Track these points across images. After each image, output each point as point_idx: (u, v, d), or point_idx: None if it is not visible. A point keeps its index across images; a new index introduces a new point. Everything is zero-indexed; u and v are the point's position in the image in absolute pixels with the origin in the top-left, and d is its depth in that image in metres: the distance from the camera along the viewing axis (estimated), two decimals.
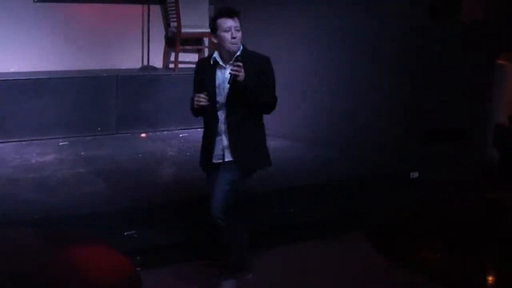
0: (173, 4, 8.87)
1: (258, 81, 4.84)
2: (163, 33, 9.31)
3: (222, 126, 4.96)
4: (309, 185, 6.64)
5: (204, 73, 4.96)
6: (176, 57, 9.02)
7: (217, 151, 4.99)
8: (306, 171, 7.04)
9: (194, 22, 9.09)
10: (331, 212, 6.39)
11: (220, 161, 4.99)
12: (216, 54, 4.95)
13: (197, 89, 4.91)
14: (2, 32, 8.27)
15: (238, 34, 4.86)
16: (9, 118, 7.77)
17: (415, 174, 7.16)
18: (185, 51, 9.23)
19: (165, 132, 8.50)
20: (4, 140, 7.69)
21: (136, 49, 9.13)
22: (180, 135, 8.43)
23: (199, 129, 8.58)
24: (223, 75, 4.88)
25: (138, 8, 9.10)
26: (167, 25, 9.24)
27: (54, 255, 3.87)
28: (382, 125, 7.45)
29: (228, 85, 4.79)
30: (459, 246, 5.87)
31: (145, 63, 9.11)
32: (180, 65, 9.08)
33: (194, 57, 9.49)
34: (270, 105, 5.05)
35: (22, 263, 3.66)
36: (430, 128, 7.51)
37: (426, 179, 7.11)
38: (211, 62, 4.93)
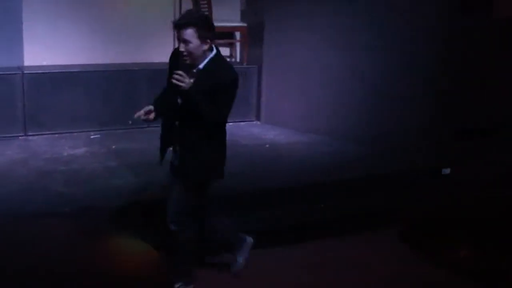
0: None
1: (208, 97, 4.47)
2: None
3: (177, 135, 4.76)
4: (339, 181, 6.60)
5: (173, 67, 4.56)
6: None
7: (174, 153, 4.83)
8: (337, 167, 7.00)
9: (226, 16, 9.09)
10: (361, 207, 6.34)
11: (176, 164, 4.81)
12: None
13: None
14: (35, 25, 8.33)
15: (189, 47, 4.47)
16: (41, 111, 7.82)
17: (447, 171, 7.09)
18: (216, 44, 9.21)
19: None
20: (36, 133, 7.76)
21: (167, 43, 9.11)
22: None
23: (230, 123, 8.66)
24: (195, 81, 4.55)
25: (169, 2, 9.12)
26: None
27: (84, 247, 3.89)
28: (414, 121, 7.38)
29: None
30: (491, 243, 5.80)
31: None
32: None
33: (226, 51, 9.51)
34: (211, 121, 4.60)
35: (52, 255, 3.68)
36: (462, 124, 7.43)
37: (458, 175, 7.03)
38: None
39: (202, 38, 4.48)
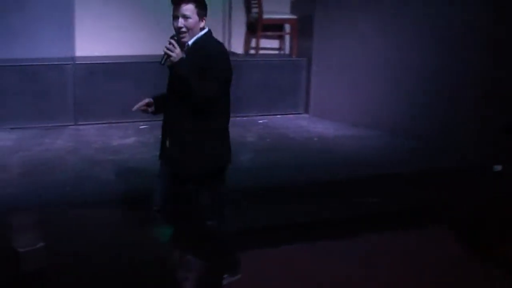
0: None
1: (197, 71, 4.34)
2: (244, 19, 9.31)
3: (169, 125, 4.62)
4: (391, 175, 6.53)
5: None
6: (257, 43, 9.02)
7: (169, 154, 4.62)
8: (385, 161, 6.94)
9: (275, 8, 9.07)
10: (410, 203, 6.27)
11: (168, 166, 4.65)
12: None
13: None
14: (86, 16, 8.41)
15: (188, 22, 4.43)
16: (92, 101, 7.91)
17: (498, 167, 6.98)
18: (266, 37, 9.22)
19: (245, 118, 8.51)
20: (87, 122, 7.85)
21: (217, 35, 9.09)
22: (260, 121, 8.44)
23: (278, 116, 8.72)
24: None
25: None
26: (248, 11, 9.23)
27: (131, 235, 3.91)
28: (465, 117, 7.29)
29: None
30: None
31: (227, 48, 9.12)
32: (260, 51, 9.07)
33: (275, 43, 9.49)
34: (199, 97, 4.36)
35: (99, 242, 3.71)
36: None
37: (511, 172, 6.91)
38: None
39: (200, 15, 4.47)
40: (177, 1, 4.45)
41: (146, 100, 4.61)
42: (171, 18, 4.58)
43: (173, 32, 4.53)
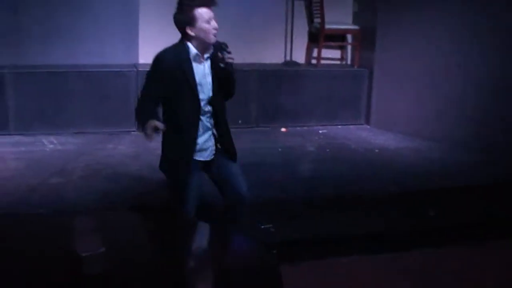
0: (318, 0, 8.84)
1: None
2: (306, 29, 9.31)
3: (209, 123, 4.62)
4: (452, 188, 6.44)
5: (175, 69, 4.46)
6: (319, 53, 9.01)
7: (208, 149, 4.66)
8: (450, 174, 6.83)
9: (338, 19, 9.06)
10: (474, 217, 6.17)
11: (211, 158, 4.70)
12: (190, 48, 4.51)
13: (166, 88, 4.46)
14: (150, 24, 8.52)
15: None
16: None
17: None
18: (327, 47, 9.20)
19: (305, 128, 8.51)
20: None
21: (279, 44, 9.18)
22: (320, 131, 8.42)
23: (339, 126, 8.69)
24: (203, 70, 4.53)
25: (282, 4, 9.15)
26: (310, 21, 9.24)
27: (192, 244, 3.92)
28: None
29: (210, 80, 4.53)
30: None
31: (288, 58, 9.15)
32: (322, 61, 9.06)
33: (337, 54, 9.47)
34: (235, 91, 4.79)
35: (159, 247, 3.73)
36: None
37: None
38: (188, 57, 4.49)
39: None
40: (213, 3, 4.50)
41: (152, 124, 4.33)
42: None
43: (229, 43, 4.60)
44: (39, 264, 3.28)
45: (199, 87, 4.48)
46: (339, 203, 5.81)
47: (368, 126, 8.90)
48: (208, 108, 4.57)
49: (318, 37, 8.99)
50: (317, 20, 8.99)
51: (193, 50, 4.49)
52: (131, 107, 7.81)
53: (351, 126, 8.81)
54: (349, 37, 9.46)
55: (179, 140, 4.55)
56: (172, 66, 4.45)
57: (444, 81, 7.92)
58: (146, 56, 8.46)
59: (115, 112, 7.90)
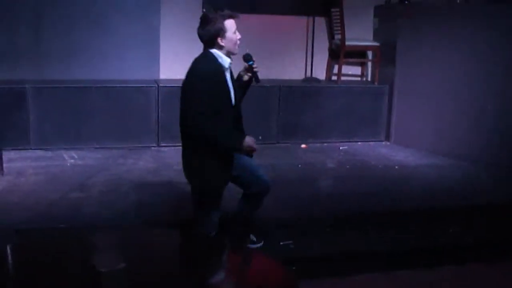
0: (338, 17, 8.86)
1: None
2: (327, 45, 9.32)
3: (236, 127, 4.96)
4: (472, 206, 6.40)
5: (217, 80, 4.70)
6: (339, 69, 9.00)
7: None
8: (470, 192, 6.80)
9: (358, 35, 9.06)
10: (492, 235, 6.12)
11: None
12: (220, 57, 4.75)
13: (211, 99, 4.61)
14: (171, 40, 8.58)
15: None
16: (174, 124, 7.91)
17: None
18: (348, 63, 9.20)
19: (325, 144, 8.50)
20: (169, 144, 7.94)
21: (299, 60, 9.19)
22: (340, 148, 8.40)
23: (359, 143, 8.67)
24: (230, 78, 4.82)
25: (303, 20, 9.17)
26: (331, 37, 9.24)
27: (212, 261, 3.91)
28: None
29: (233, 87, 4.82)
30: None
31: (308, 74, 9.15)
32: (342, 78, 9.05)
33: (357, 70, 9.45)
34: None
35: (178, 265, 3.73)
36: None
37: None
38: (225, 66, 4.75)
39: None
40: (237, 15, 4.74)
41: (249, 140, 4.79)
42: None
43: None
44: (60, 279, 3.29)
45: (232, 94, 4.78)
46: (359, 220, 5.79)
47: (388, 143, 8.88)
48: (236, 112, 4.89)
49: (339, 53, 8.98)
50: (337, 37, 8.98)
51: (225, 59, 4.74)
52: (151, 122, 7.91)
53: (371, 143, 8.78)
54: (369, 54, 9.46)
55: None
56: (215, 76, 4.68)
57: (465, 98, 7.89)
58: (167, 72, 8.54)
59: (135, 127, 7.93)
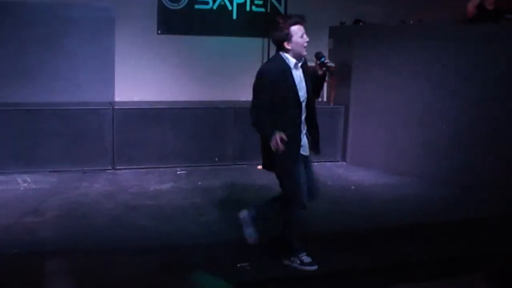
0: None
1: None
2: None
3: (304, 122, 5.24)
4: (427, 224, 6.45)
5: (280, 78, 5.07)
6: None
7: (305, 145, 5.27)
8: (426, 210, 6.85)
9: (313, 56, 9.07)
10: (450, 252, 6.17)
11: (305, 153, 5.27)
12: (287, 59, 5.10)
13: (274, 95, 5.02)
14: (126, 63, 8.54)
15: None
16: (130, 146, 7.96)
17: None
18: None
19: None
20: (124, 167, 7.89)
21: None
22: None
23: (315, 163, 8.56)
24: (300, 76, 5.14)
25: (258, 41, 9.19)
26: None
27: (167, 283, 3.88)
28: (503, 165, 7.22)
29: (304, 84, 5.13)
30: None
31: None
32: None
33: None
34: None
35: None
36: None
37: None
38: (288, 66, 5.08)
39: None
40: (304, 21, 5.15)
41: (280, 136, 4.94)
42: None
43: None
44: None
45: (299, 91, 5.11)
46: (312, 240, 5.77)
47: (344, 163, 8.92)
48: (304, 108, 5.19)
49: None
50: None
51: (291, 60, 5.10)
52: (107, 144, 7.84)
53: (328, 163, 8.80)
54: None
55: (288, 139, 4.99)
56: (276, 75, 5.06)
57: (420, 118, 7.97)
58: (122, 94, 8.50)
59: (90, 150, 7.86)
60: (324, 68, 5.32)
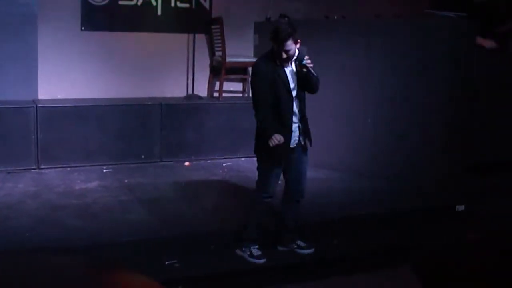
0: (219, 34, 8.90)
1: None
2: (208, 62, 9.34)
3: (296, 114, 5.57)
4: (354, 217, 6.55)
5: (273, 73, 5.45)
6: (221, 86, 9.04)
7: (294, 137, 5.59)
8: (351, 203, 6.95)
9: (239, 52, 9.12)
10: (376, 245, 6.28)
11: (295, 145, 5.62)
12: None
13: (267, 89, 5.43)
14: (49, 60, 8.40)
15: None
16: (54, 145, 7.83)
17: (461, 207, 7.01)
18: (229, 80, 9.26)
19: (209, 161, 8.49)
20: (49, 166, 7.76)
21: (181, 78, 9.17)
22: (224, 164, 8.41)
23: (242, 158, 8.70)
24: (291, 71, 5.52)
25: (183, 37, 9.16)
26: (212, 54, 9.28)
27: (94, 284, 3.83)
28: (429, 157, 7.37)
29: (296, 79, 5.52)
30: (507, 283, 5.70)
31: (190, 91, 9.14)
32: (224, 94, 9.09)
33: (239, 86, 9.53)
34: (317, 88, 5.65)
35: None
36: (479, 160, 7.40)
37: (474, 212, 6.95)
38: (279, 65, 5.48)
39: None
40: (287, 38, 5.49)
41: (278, 138, 5.40)
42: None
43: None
44: None
45: (291, 85, 5.50)
46: (240, 234, 5.81)
47: None
48: (296, 101, 5.55)
49: (220, 70, 9.03)
50: (218, 53, 9.03)
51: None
52: (31, 144, 7.70)
53: (255, 158, 8.81)
54: (250, 70, 9.51)
55: (281, 128, 5.46)
56: (269, 70, 5.46)
57: (343, 111, 8.07)
58: (46, 92, 8.35)
59: (14, 149, 7.68)
60: (304, 70, 5.51)
